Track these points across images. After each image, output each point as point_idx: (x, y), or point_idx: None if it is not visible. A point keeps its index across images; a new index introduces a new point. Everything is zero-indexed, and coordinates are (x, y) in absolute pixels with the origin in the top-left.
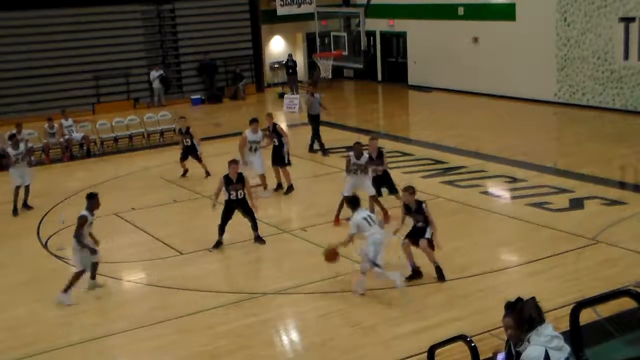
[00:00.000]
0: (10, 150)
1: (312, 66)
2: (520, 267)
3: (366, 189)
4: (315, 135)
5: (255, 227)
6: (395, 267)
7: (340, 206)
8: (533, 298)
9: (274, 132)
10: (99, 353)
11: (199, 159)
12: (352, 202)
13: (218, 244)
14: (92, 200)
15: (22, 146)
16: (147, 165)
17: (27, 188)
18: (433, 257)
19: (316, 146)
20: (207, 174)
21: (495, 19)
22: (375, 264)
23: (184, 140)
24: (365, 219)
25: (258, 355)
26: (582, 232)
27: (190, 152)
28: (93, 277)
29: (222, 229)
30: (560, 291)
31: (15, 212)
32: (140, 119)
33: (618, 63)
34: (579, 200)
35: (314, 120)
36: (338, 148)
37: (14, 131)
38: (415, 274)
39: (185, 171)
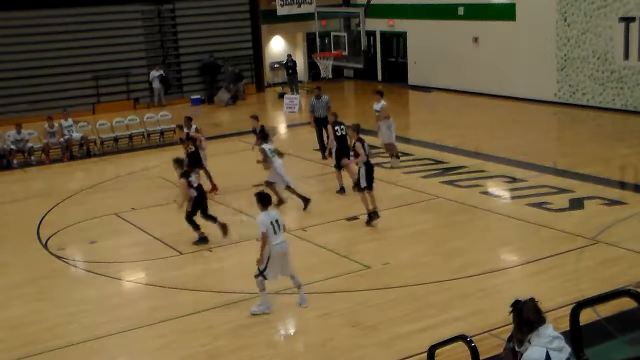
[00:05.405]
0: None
1: (312, 66)
2: (520, 267)
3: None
4: (319, 138)
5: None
6: None
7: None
8: (532, 299)
9: (261, 132)
10: (99, 353)
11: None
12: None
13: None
14: None
15: None
16: (147, 165)
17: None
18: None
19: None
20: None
21: (495, 19)
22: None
23: (188, 147)
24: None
25: (258, 355)
26: (582, 232)
27: (193, 162)
28: None
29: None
30: (560, 291)
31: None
32: (140, 119)
33: (618, 63)
34: (579, 200)
35: (319, 124)
36: None
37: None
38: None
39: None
